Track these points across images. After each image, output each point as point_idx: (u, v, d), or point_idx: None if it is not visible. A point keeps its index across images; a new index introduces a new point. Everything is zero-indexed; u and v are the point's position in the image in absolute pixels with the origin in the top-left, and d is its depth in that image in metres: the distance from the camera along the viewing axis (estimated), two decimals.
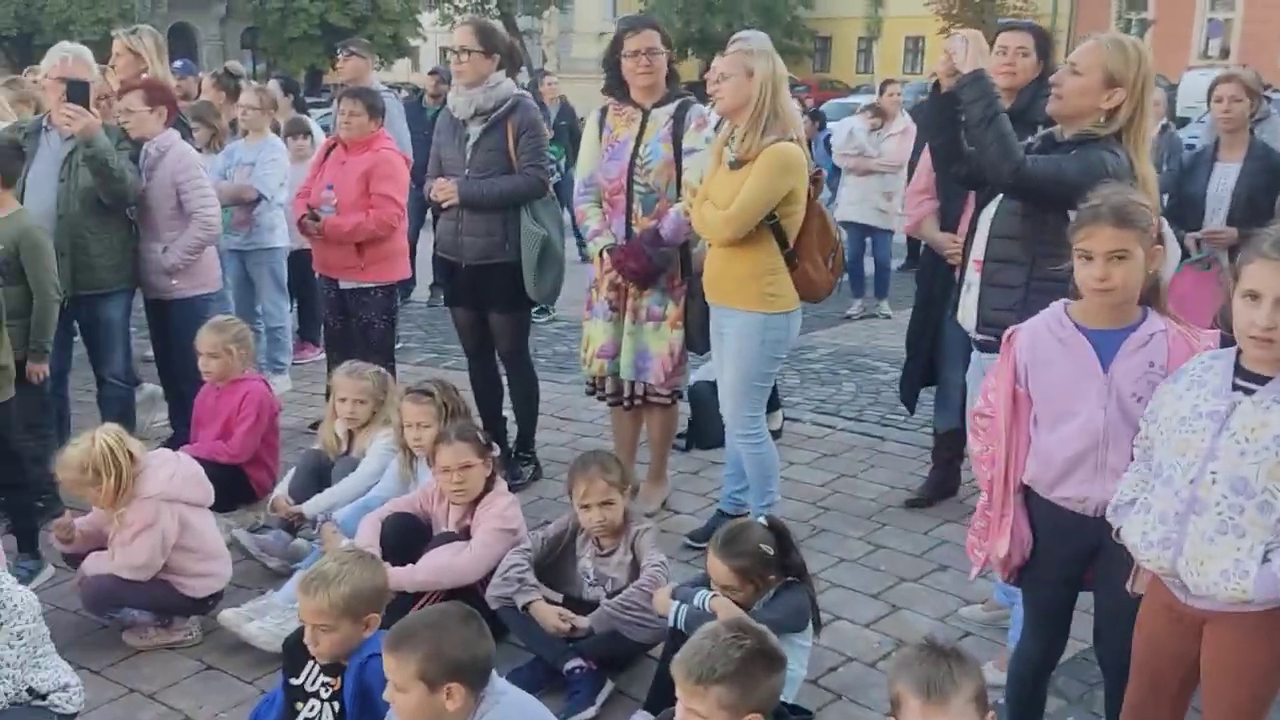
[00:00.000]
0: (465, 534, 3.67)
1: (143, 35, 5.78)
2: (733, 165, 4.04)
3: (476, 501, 3.71)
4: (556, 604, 3.50)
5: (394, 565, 3.49)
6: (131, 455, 3.54)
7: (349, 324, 5.63)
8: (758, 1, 43.67)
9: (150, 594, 3.61)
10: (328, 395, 5.84)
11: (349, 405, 4.34)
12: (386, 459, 4.28)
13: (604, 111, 4.71)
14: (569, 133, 10.59)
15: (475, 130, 4.80)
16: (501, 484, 3.81)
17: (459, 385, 4.39)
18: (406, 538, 3.69)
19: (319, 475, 4.34)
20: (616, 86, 4.60)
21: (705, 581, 3.21)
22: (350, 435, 4.43)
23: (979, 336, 3.45)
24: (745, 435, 4.26)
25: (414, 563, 3.57)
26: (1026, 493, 2.66)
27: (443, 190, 4.78)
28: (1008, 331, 2.65)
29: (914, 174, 4.88)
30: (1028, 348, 2.58)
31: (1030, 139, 3.34)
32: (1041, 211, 3.19)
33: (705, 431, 5.56)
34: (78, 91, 4.67)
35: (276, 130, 6.72)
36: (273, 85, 7.77)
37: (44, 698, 2.87)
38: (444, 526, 3.77)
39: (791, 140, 3.93)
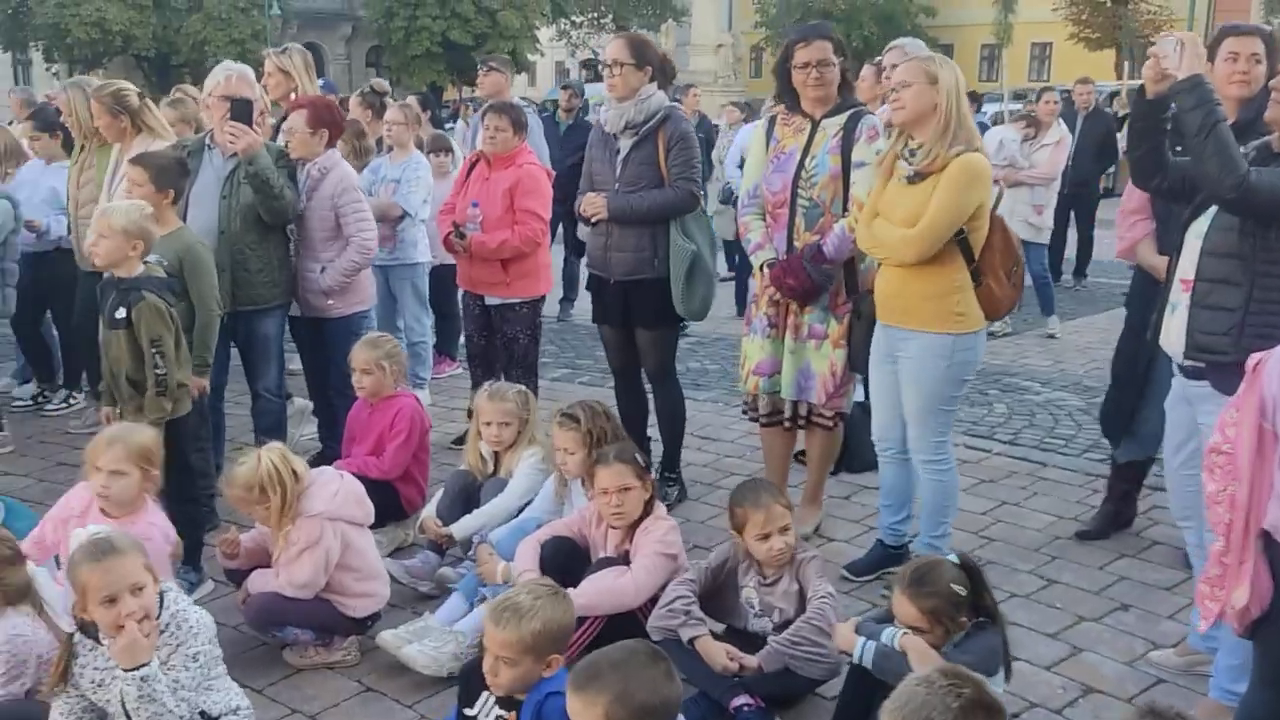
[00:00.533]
0: (625, 559, 3.56)
1: (292, 54, 5.88)
2: (910, 179, 3.85)
3: (636, 525, 3.60)
4: (719, 636, 3.36)
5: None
6: (296, 473, 3.54)
7: (492, 340, 5.62)
8: (879, 10, 43.01)
9: (312, 613, 3.59)
10: (469, 413, 5.88)
11: (494, 429, 4.28)
12: (535, 478, 4.21)
13: (772, 121, 4.57)
14: (705, 145, 10.48)
15: (626, 144, 4.71)
16: (661, 508, 3.69)
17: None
18: (566, 562, 3.60)
19: (467, 496, 4.28)
20: (786, 95, 4.45)
21: (887, 617, 3.03)
22: (496, 455, 4.37)
23: (1186, 363, 3.19)
24: (931, 461, 4.06)
25: (573, 587, 3.47)
26: (1266, 539, 2.41)
27: (592, 205, 4.70)
28: (1253, 360, 2.41)
29: (1125, 193, 4.55)
30: (1278, 379, 2.33)
31: (1244, 149, 3.07)
32: (1264, 228, 2.93)
33: (856, 455, 5.35)
34: (241, 110, 4.74)
35: (419, 146, 6.76)
36: (412, 101, 7.84)
37: None
38: (603, 551, 3.67)
39: (976, 151, 3.72)
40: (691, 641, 3.26)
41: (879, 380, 4.19)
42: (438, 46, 42.92)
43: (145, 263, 4.08)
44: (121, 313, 4.01)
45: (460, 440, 5.61)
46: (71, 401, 6.60)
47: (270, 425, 5.24)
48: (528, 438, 4.28)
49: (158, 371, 4.02)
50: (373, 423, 4.49)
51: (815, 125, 4.37)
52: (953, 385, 4.04)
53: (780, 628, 3.34)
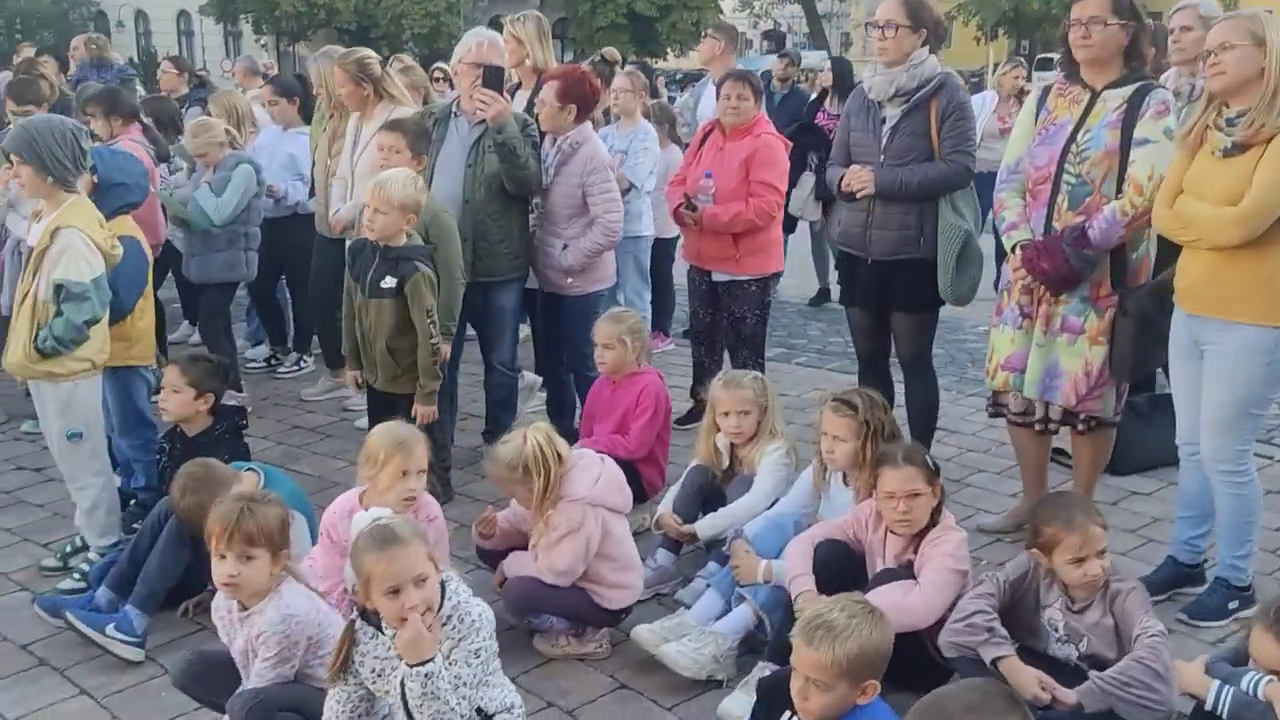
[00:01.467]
0: (907, 570, 3.25)
1: (526, 21, 5.74)
2: (1228, 152, 3.37)
3: (921, 534, 3.28)
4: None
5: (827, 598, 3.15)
6: (560, 455, 3.38)
7: (718, 318, 5.40)
8: None
9: (569, 602, 3.44)
10: (692, 392, 5.68)
11: (732, 419, 4.01)
12: (781, 474, 3.95)
13: (1046, 91, 4.12)
14: None
15: (894, 112, 4.35)
16: (949, 516, 3.36)
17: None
18: (840, 569, 3.32)
19: (705, 492, 4.04)
20: (1068, 62, 4.00)
21: (1240, 658, 2.63)
22: (732, 448, 4.10)
23: None
24: (1230, 472, 3.59)
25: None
26: None
27: (858, 179, 4.36)
28: None
29: None
30: None
31: None
32: None
33: (1123, 455, 4.85)
34: (493, 76, 4.62)
35: (646, 116, 6.55)
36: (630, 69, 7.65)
37: (491, 718, 2.71)
38: (880, 559, 3.37)
39: None
40: (995, 662, 2.93)
41: (1183, 376, 3.72)
42: (623, 18, 43.04)
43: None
44: (390, 282, 3.98)
45: (683, 420, 5.41)
46: (302, 365, 6.73)
47: (501, 399, 5.17)
48: (768, 428, 4.01)
49: (433, 341, 3.99)
50: (616, 400, 4.31)
51: (1095, 96, 3.90)
52: (1270, 386, 3.56)
53: (1090, 661, 2.97)
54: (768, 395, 4.03)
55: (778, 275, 5.72)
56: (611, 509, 3.48)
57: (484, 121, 4.74)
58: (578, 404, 5.24)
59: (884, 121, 4.38)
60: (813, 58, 36.37)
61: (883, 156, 4.36)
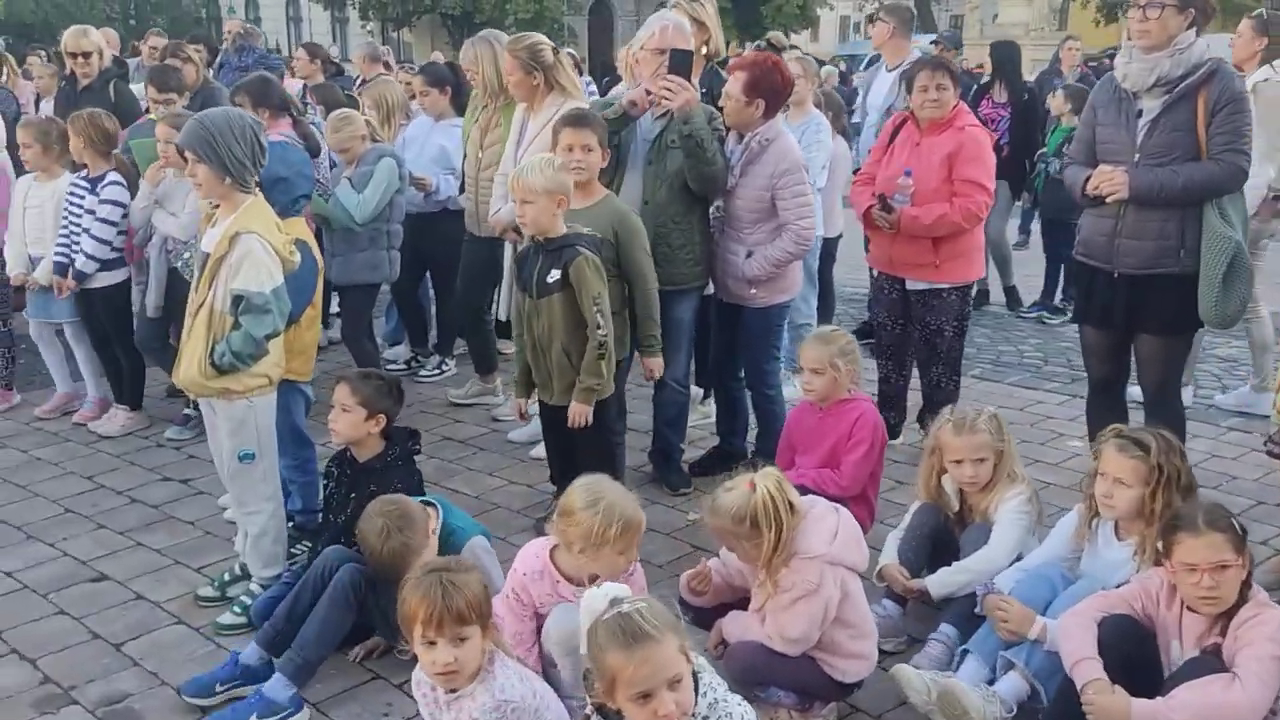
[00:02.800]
0: (1216, 656, 2.71)
1: (705, 2, 5.25)
2: None
3: (1229, 613, 2.73)
4: None
5: (1127, 689, 2.64)
6: (793, 506, 2.91)
7: (908, 329, 4.89)
8: None
9: (799, 673, 2.98)
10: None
11: (967, 468, 3.47)
12: (1024, 524, 3.43)
13: None
14: None
15: (1153, 104, 3.78)
16: (1260, 592, 2.81)
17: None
18: (1131, 650, 2.79)
19: (935, 539, 3.53)
20: None
21: None
22: (961, 493, 3.59)
23: None
24: None
25: (1137, 683, 2.68)
26: None
27: (1109, 181, 3.80)
28: None
29: None
30: None
31: None
32: None
33: None
34: (681, 62, 4.16)
35: (816, 105, 6.03)
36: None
37: None
38: (1176, 640, 2.83)
39: None
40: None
41: None
42: (727, 2, 42.25)
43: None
44: (555, 275, 3.63)
45: None
46: (444, 368, 6.39)
47: (672, 417, 4.74)
48: (1006, 471, 3.48)
49: (600, 333, 3.61)
50: (824, 429, 3.83)
51: None
52: None
53: None
54: (1004, 437, 3.50)
55: (977, 284, 5.18)
56: (849, 567, 3.00)
57: (666, 114, 4.29)
58: (750, 422, 4.82)
59: (1140, 115, 3.81)
60: (920, 42, 35.39)
61: (1138, 155, 3.79)
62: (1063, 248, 7.63)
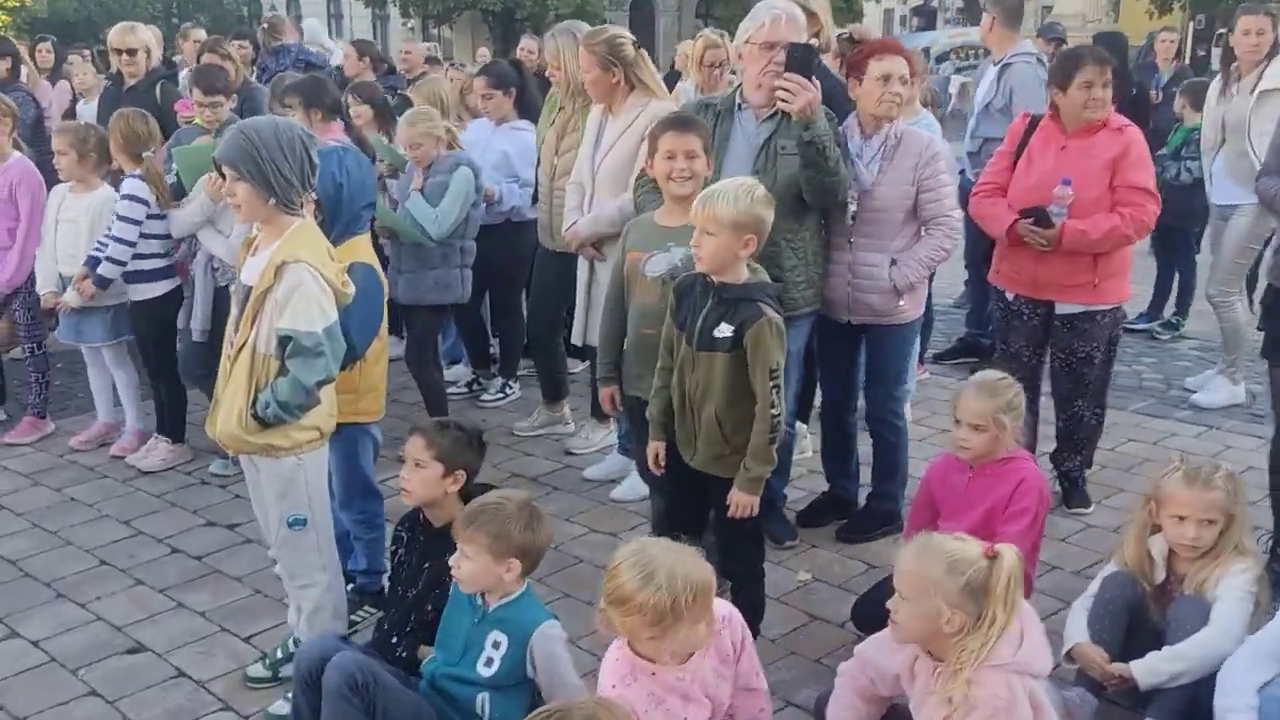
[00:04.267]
0: None
1: None
2: None
3: None
4: None
5: None
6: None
7: (1043, 357, 4.34)
8: None
9: None
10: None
11: (1191, 528, 2.92)
12: (1247, 607, 2.85)
13: None
14: None
15: None
16: None
17: None
18: None
19: (1134, 613, 2.97)
20: None
21: None
22: (1170, 554, 3.03)
23: None
24: None
25: None
26: None
27: None
28: None
29: None
30: None
31: None
32: None
33: None
34: (801, 57, 3.60)
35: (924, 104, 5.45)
36: None
37: None
38: None
39: None
40: None
41: None
42: None
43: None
44: (725, 331, 3.02)
45: None
46: (508, 392, 5.88)
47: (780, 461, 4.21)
48: (1234, 542, 2.92)
49: (773, 412, 3.02)
50: (977, 492, 3.25)
51: None
52: None
53: None
54: (1239, 500, 2.94)
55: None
56: (1036, 675, 2.45)
57: (775, 116, 3.75)
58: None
59: None
60: (971, 34, 34.27)
61: None
62: (1179, 258, 7.03)
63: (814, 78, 3.61)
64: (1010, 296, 4.32)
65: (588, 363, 5.48)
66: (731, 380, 3.06)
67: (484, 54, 16.89)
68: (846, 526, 4.22)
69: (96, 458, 5.06)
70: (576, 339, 4.65)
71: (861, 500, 4.31)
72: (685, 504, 3.42)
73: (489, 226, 5.42)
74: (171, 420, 4.97)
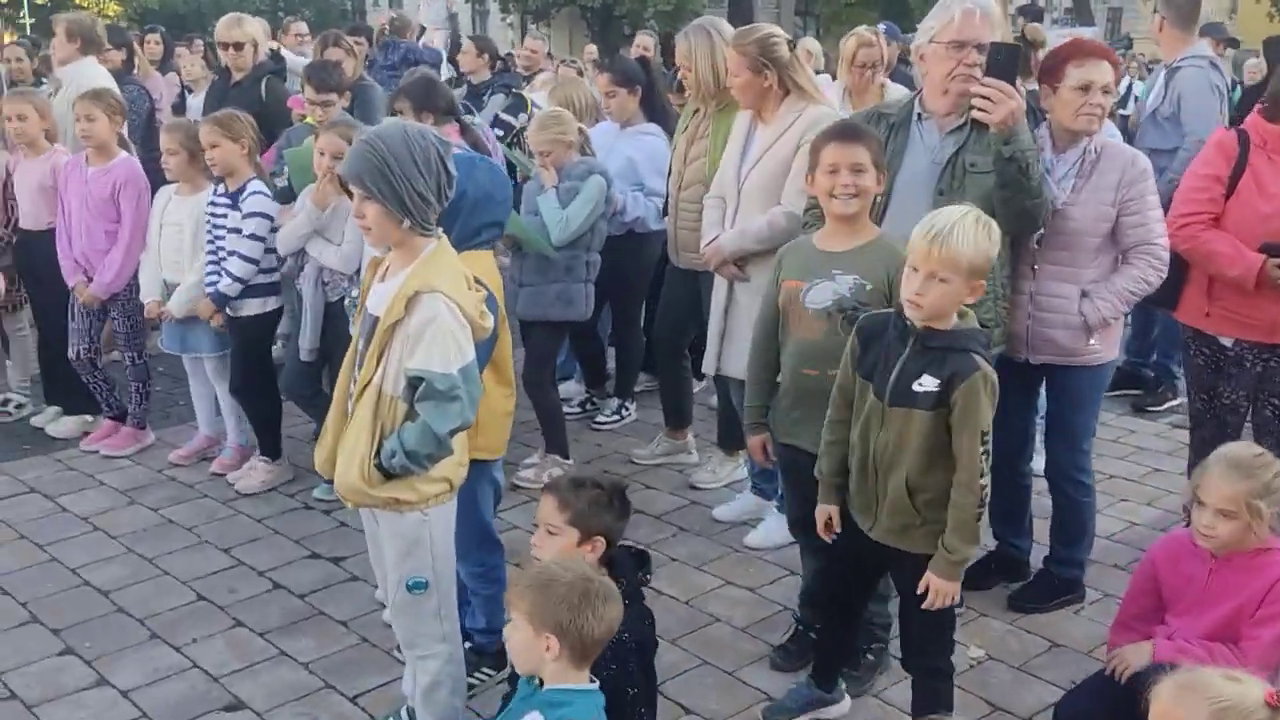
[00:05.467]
0: None
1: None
2: None
3: None
4: None
5: None
6: None
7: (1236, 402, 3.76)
8: None
9: None
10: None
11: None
12: None
13: None
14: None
15: None
16: None
17: None
18: None
19: None
20: None
21: None
22: None
23: None
24: None
25: None
26: None
27: None
28: None
29: None
30: None
31: None
32: None
33: None
34: (1004, 60, 3.11)
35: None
36: None
37: None
38: None
39: None
40: None
41: None
42: None
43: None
44: (929, 385, 2.54)
45: None
46: (624, 414, 5.48)
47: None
48: None
49: (981, 483, 2.54)
50: (1221, 587, 2.70)
51: None
52: None
53: None
54: None
55: None
56: None
57: (964, 126, 3.27)
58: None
59: None
60: (1084, 34, 32.98)
61: None
62: None
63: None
64: (1229, 342, 3.73)
65: (704, 381, 5.06)
66: (929, 442, 2.58)
67: (592, 50, 16.49)
68: (1021, 594, 3.72)
69: (196, 474, 4.78)
70: (708, 368, 4.21)
71: (1033, 560, 3.81)
72: (850, 576, 2.96)
73: (611, 237, 5.01)
74: (269, 438, 4.66)
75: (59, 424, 5.16)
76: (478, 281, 2.70)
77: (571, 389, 5.77)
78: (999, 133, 3.09)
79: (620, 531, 2.70)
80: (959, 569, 2.63)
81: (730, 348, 4.04)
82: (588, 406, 5.63)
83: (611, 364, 5.73)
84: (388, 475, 2.53)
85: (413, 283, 2.50)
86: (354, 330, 3.74)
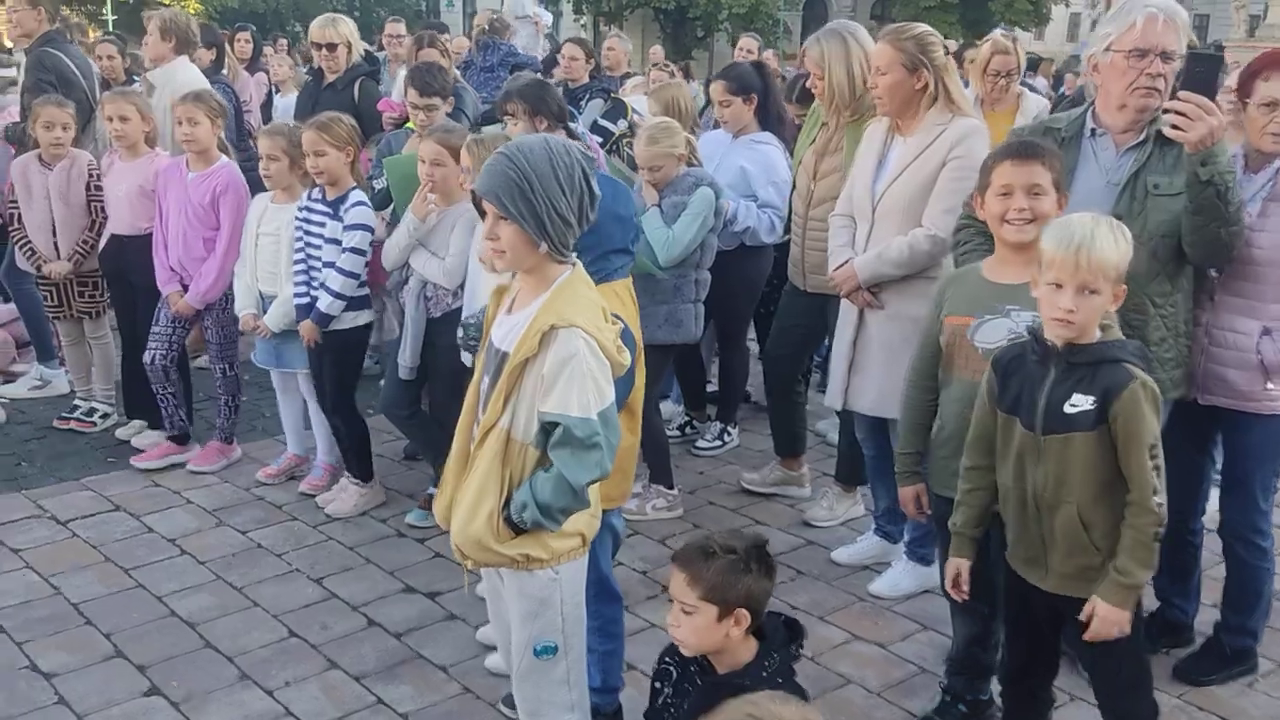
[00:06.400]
0: None
1: None
2: None
3: None
4: None
5: None
6: None
7: None
8: None
9: None
10: None
11: None
12: None
13: None
14: None
15: None
16: None
17: None
18: None
19: None
20: None
21: None
22: None
23: None
24: None
25: None
26: None
27: None
28: None
29: None
30: None
31: None
32: None
33: None
34: (1204, 73, 2.76)
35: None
36: None
37: None
38: None
39: None
40: None
41: None
42: None
43: None
44: (1084, 404, 2.32)
45: None
46: (726, 438, 5.19)
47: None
48: None
49: (1156, 500, 2.30)
50: None
51: None
52: None
53: None
54: None
55: None
56: None
57: (1145, 143, 2.93)
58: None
59: None
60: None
61: None
62: None
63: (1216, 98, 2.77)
64: None
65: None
66: (1096, 467, 2.33)
67: (658, 52, 16.14)
68: (1188, 664, 3.35)
69: (285, 493, 4.58)
70: (832, 401, 3.90)
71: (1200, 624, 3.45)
72: (1030, 646, 2.63)
73: (719, 251, 4.73)
74: (359, 459, 4.44)
75: (144, 437, 5.00)
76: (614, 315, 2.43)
77: (669, 409, 5.50)
78: (1196, 153, 2.75)
79: (765, 596, 2.39)
80: (1130, 596, 2.36)
81: (859, 380, 3.74)
82: (687, 430, 5.35)
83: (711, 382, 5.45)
84: (516, 530, 2.27)
85: (547, 315, 2.23)
86: (470, 361, 3.53)
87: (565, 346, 2.20)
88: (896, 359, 3.52)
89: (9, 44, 8.53)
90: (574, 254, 2.35)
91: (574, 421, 2.19)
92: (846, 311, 3.81)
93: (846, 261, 3.71)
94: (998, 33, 5.23)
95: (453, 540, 2.37)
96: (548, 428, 2.23)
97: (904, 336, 3.53)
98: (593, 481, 2.27)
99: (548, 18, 10.67)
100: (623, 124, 5.99)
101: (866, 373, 3.72)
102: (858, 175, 3.77)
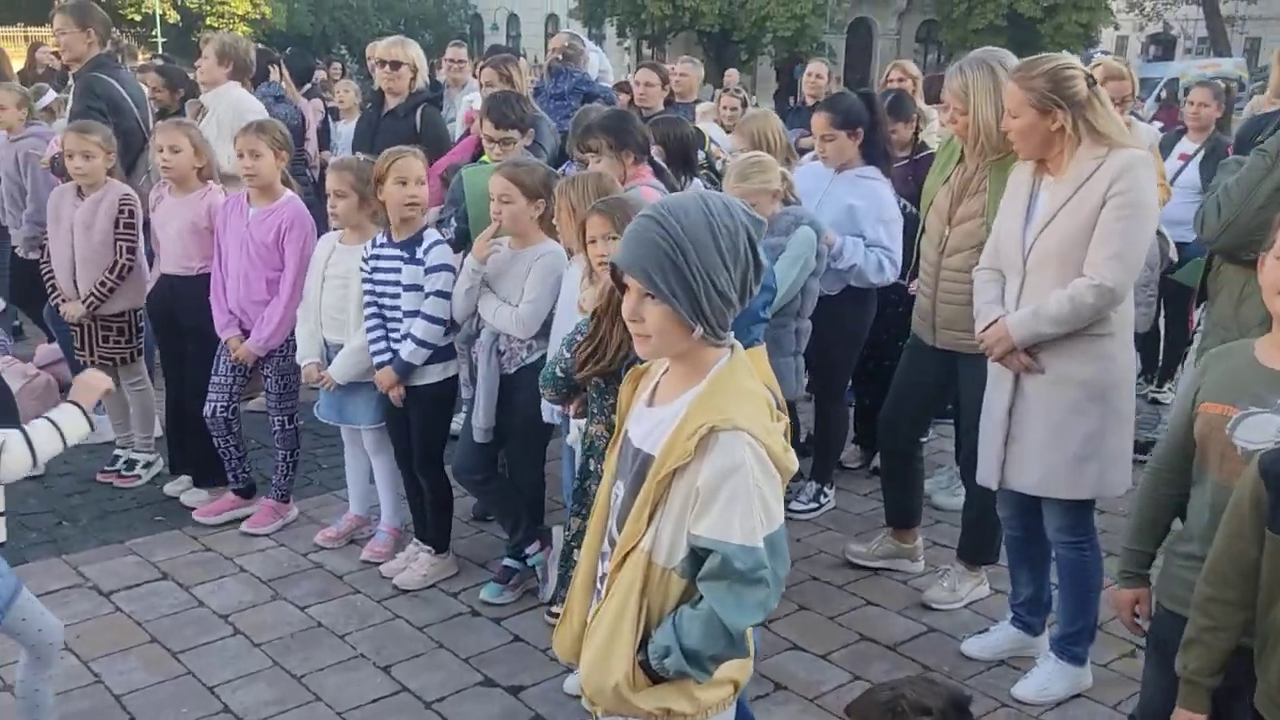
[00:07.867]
0: None
1: None
2: None
3: None
4: None
5: None
6: None
7: None
8: None
9: None
10: None
11: None
12: None
13: None
14: None
15: None
16: None
17: None
18: None
19: None
20: None
21: None
22: None
23: None
24: None
25: None
26: None
27: None
28: None
29: None
30: None
31: None
32: None
33: None
34: None
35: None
36: None
37: None
38: None
39: None
40: None
41: None
42: (1002, 20, 39.27)
43: None
44: None
45: None
46: (824, 499, 4.73)
47: None
48: None
49: None
50: None
51: None
52: None
53: None
54: None
55: None
56: None
57: None
58: None
59: None
60: (1225, 65, 31.06)
61: None
62: None
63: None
64: None
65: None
66: None
67: (733, 75, 15.86)
68: None
69: (346, 560, 4.18)
70: (987, 480, 3.40)
71: None
72: None
73: (820, 297, 4.29)
74: (436, 526, 4.03)
75: (192, 494, 4.61)
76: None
77: None
78: None
79: None
80: None
81: (1018, 454, 3.26)
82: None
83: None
84: (656, 678, 1.84)
85: (704, 413, 1.80)
86: (552, 415, 3.10)
87: (728, 455, 1.77)
88: (1062, 431, 3.09)
89: (49, 68, 8.28)
90: (731, 334, 1.92)
91: (735, 550, 1.75)
92: (999, 377, 3.33)
93: (997, 320, 3.26)
94: (1109, 58, 4.76)
95: (581, 684, 1.94)
96: (700, 553, 1.80)
97: (1070, 405, 3.09)
98: (754, 624, 1.83)
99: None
100: (700, 155, 5.59)
101: (1027, 446, 3.24)
102: (1004, 223, 3.32)
